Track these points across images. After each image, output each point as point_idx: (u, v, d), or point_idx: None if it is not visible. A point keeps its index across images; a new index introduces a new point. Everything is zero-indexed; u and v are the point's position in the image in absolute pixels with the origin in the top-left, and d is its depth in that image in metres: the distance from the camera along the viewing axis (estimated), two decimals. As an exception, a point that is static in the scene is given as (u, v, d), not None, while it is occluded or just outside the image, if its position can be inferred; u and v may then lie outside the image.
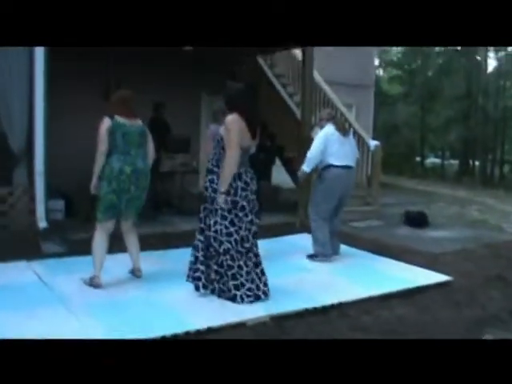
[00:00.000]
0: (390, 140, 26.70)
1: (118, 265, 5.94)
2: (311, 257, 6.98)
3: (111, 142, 5.44)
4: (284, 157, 11.11)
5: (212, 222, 5.23)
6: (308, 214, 7.21)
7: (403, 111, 31.30)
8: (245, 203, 5.22)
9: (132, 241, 5.84)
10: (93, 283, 5.51)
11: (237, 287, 5.18)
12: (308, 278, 5.68)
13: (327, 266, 6.72)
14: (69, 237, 7.53)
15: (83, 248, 6.55)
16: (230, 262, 5.18)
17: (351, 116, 11.87)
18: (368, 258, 7.25)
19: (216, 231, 5.21)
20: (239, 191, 5.19)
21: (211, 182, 5.29)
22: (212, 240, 5.24)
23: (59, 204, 8.88)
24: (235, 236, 5.19)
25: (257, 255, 5.35)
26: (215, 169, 5.29)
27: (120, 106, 5.57)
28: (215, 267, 5.26)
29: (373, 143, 10.83)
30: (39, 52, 7.36)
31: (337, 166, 6.86)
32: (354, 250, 7.39)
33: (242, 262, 5.20)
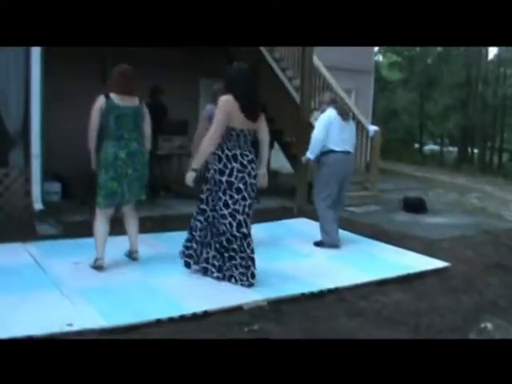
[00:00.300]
0: (388, 126, 26.64)
1: (114, 248, 5.88)
2: (318, 244, 6.90)
3: (104, 124, 5.44)
4: (282, 141, 11.04)
5: (213, 204, 5.25)
6: (313, 202, 7.16)
7: (402, 97, 31.21)
8: (241, 185, 5.17)
9: (132, 223, 5.81)
10: (96, 265, 5.51)
11: (234, 267, 5.22)
12: (305, 263, 5.65)
13: (325, 251, 6.69)
14: (64, 219, 7.51)
15: (79, 230, 6.55)
16: (225, 244, 5.20)
17: (350, 101, 11.79)
18: (366, 243, 7.21)
19: (216, 211, 5.24)
20: (235, 172, 5.15)
21: (212, 163, 5.26)
22: (215, 220, 5.27)
23: (55, 186, 8.88)
24: (229, 219, 5.17)
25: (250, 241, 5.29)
26: (215, 150, 5.24)
27: (118, 81, 5.51)
28: (217, 246, 5.28)
29: (372, 128, 10.77)
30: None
31: (336, 152, 6.80)
32: (351, 235, 7.36)
33: (235, 246, 5.18)
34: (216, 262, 5.30)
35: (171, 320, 4.31)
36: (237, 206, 5.17)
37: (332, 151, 6.80)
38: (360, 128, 10.79)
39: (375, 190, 10.77)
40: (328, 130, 6.78)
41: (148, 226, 6.96)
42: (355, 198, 9.93)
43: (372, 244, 7.16)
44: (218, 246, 5.29)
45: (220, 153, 5.19)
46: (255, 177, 5.28)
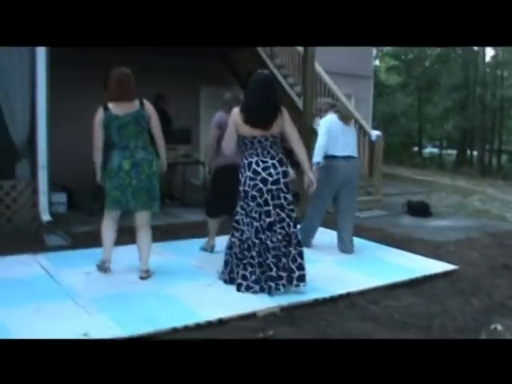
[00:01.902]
0: (388, 130, 26.67)
1: (126, 257, 5.93)
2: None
3: (108, 136, 5.40)
4: (286, 147, 11.07)
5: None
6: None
7: (401, 101, 31.27)
8: (255, 193, 5.21)
9: (143, 239, 5.64)
10: (102, 268, 5.62)
11: (244, 277, 5.24)
12: (315, 269, 5.67)
13: (333, 256, 6.73)
14: (72, 230, 7.54)
15: (87, 240, 6.59)
16: (245, 253, 5.25)
17: (351, 106, 11.84)
18: (373, 247, 7.26)
19: (241, 223, 5.33)
20: (248, 181, 5.22)
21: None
22: (239, 232, 5.34)
23: (61, 197, 8.90)
24: (247, 227, 5.25)
25: (273, 248, 5.23)
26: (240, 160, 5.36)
27: (114, 88, 5.39)
28: (239, 255, 5.34)
29: (374, 133, 10.81)
30: (40, 47, 7.33)
31: (338, 157, 6.83)
32: (358, 240, 7.37)
33: (254, 253, 5.21)
34: (248, 275, 5.27)
35: (187, 328, 4.33)
36: (253, 214, 5.22)
37: (333, 156, 6.83)
38: (362, 133, 10.85)
39: (379, 195, 10.80)
40: (329, 134, 6.81)
41: (157, 235, 6.99)
42: (359, 202, 9.94)
43: (379, 248, 7.20)
44: (239, 255, 5.31)
45: (241, 162, 5.32)
46: (276, 182, 5.22)
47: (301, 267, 5.28)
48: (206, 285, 5.41)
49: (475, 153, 31.76)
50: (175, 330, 4.28)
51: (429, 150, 38.03)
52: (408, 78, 32.81)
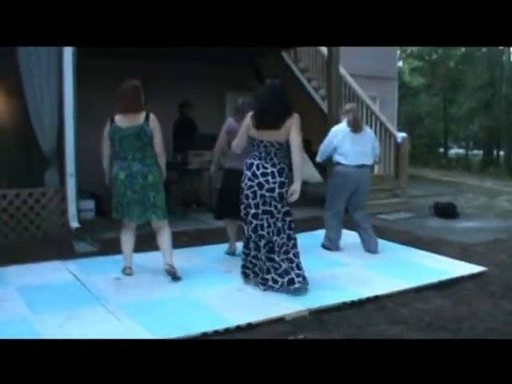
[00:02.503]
0: (413, 131, 26.51)
1: (154, 262, 5.98)
2: (323, 246, 7.24)
3: (112, 147, 5.69)
4: (311, 151, 11.07)
5: None
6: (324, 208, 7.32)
7: (426, 102, 31.07)
8: (249, 193, 5.42)
9: (161, 239, 5.80)
10: (125, 273, 5.86)
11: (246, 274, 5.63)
12: (343, 272, 5.68)
13: (361, 259, 6.73)
14: (100, 236, 7.61)
15: (115, 247, 6.62)
16: (245, 247, 5.60)
17: (376, 108, 11.80)
18: (401, 250, 7.23)
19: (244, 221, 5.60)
20: (245, 180, 5.45)
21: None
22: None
23: (89, 204, 8.98)
24: (243, 222, 5.56)
25: (258, 250, 5.49)
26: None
27: (119, 101, 5.61)
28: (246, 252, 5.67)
29: (400, 135, 10.78)
30: (67, 53, 7.41)
31: (346, 165, 6.91)
32: (386, 243, 7.36)
33: (251, 246, 5.52)
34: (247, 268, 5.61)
35: (216, 333, 4.36)
36: (248, 209, 5.47)
37: (340, 164, 6.94)
38: (388, 135, 10.83)
39: (405, 197, 10.76)
40: (334, 142, 6.94)
41: (185, 240, 7.05)
42: (386, 205, 9.96)
43: (407, 251, 7.17)
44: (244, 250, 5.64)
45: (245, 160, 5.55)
46: (271, 190, 5.34)
47: (287, 272, 5.36)
48: (234, 289, 5.44)
49: (502, 153, 31.38)
50: (205, 335, 4.30)
51: (454, 151, 37.72)
52: (432, 79, 32.55)
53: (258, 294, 5.30)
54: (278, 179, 5.35)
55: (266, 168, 5.35)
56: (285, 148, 5.41)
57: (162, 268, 5.79)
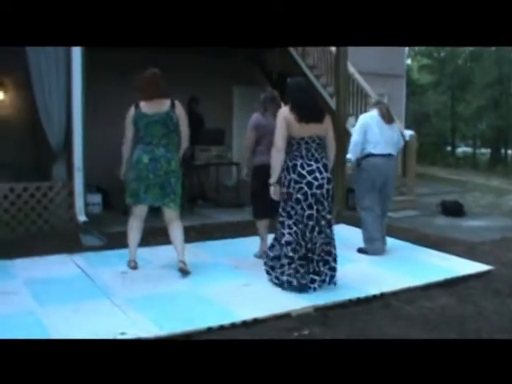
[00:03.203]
0: (421, 129, 26.43)
1: (162, 256, 6.00)
2: (361, 251, 6.89)
3: (136, 132, 5.66)
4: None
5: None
6: (351, 207, 7.11)
7: (433, 100, 30.96)
8: (299, 196, 5.21)
9: (174, 233, 5.80)
10: (130, 266, 5.83)
11: (283, 277, 5.31)
12: (349, 269, 5.68)
13: (368, 256, 6.71)
14: (107, 230, 7.64)
15: (122, 240, 6.64)
16: (290, 254, 5.25)
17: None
18: (407, 248, 7.22)
19: (280, 223, 5.37)
20: (292, 184, 5.23)
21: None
22: (278, 232, 5.41)
23: (96, 197, 9.01)
24: (294, 228, 5.25)
25: (311, 250, 5.31)
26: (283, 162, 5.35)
27: (145, 87, 5.63)
28: (282, 256, 5.36)
29: (408, 133, 10.75)
30: (76, 47, 7.43)
31: (376, 155, 6.72)
32: (393, 241, 7.34)
33: (292, 254, 5.24)
34: (286, 276, 5.31)
35: (222, 327, 4.37)
36: (296, 217, 5.24)
37: (371, 155, 6.73)
38: (395, 132, 10.79)
39: (413, 195, 10.75)
40: (366, 131, 6.72)
41: (192, 235, 7.06)
42: (393, 203, 9.90)
43: (414, 249, 7.16)
44: (280, 257, 5.37)
45: (283, 164, 5.30)
46: (320, 186, 5.24)
47: (333, 269, 5.36)
48: (241, 284, 5.45)
49: (510, 151, 31.29)
50: (210, 330, 4.33)
51: (462, 150, 37.59)
52: (441, 77, 32.45)
53: (264, 290, 5.30)
54: (325, 174, 5.28)
55: (311, 165, 5.24)
56: (323, 144, 5.39)
57: (168, 262, 5.82)
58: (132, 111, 5.64)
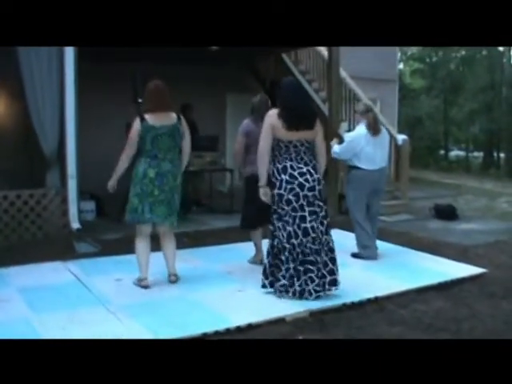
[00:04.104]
0: (413, 134, 26.51)
1: (154, 264, 5.97)
2: (355, 256, 6.89)
3: (141, 145, 5.40)
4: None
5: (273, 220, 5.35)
6: (344, 212, 7.06)
7: (426, 105, 31.09)
8: (291, 197, 5.19)
9: (167, 245, 5.69)
10: (141, 284, 5.56)
11: (276, 281, 5.28)
12: (343, 273, 5.67)
13: (362, 260, 6.72)
14: (101, 237, 7.64)
15: (115, 248, 6.67)
16: (281, 257, 5.23)
17: (376, 110, 11.80)
18: (401, 251, 7.24)
19: (274, 228, 5.31)
20: (284, 184, 5.20)
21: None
22: (272, 236, 5.34)
23: (90, 205, 9.00)
24: (282, 231, 5.22)
25: (305, 254, 5.22)
26: (272, 165, 5.32)
27: (152, 99, 5.47)
28: (270, 260, 5.34)
29: (401, 137, 10.79)
30: (69, 56, 7.46)
31: (364, 170, 6.73)
32: (386, 244, 7.36)
33: (283, 257, 5.20)
34: (281, 278, 5.24)
35: (217, 333, 4.37)
36: (287, 218, 5.20)
37: (359, 168, 6.75)
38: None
39: (406, 199, 10.78)
40: (356, 149, 6.69)
41: (186, 242, 7.06)
42: (386, 207, 9.93)
43: (407, 252, 7.18)
44: (272, 260, 5.34)
45: (273, 166, 5.28)
46: (311, 189, 5.23)
47: (332, 272, 5.30)
48: (235, 290, 5.45)
49: (502, 155, 31.41)
50: (205, 335, 4.32)
51: (455, 153, 37.72)
52: (433, 81, 32.60)
53: (258, 295, 5.30)
54: (315, 176, 5.27)
55: (301, 168, 5.22)
56: (312, 147, 5.36)
57: (161, 269, 5.77)
58: (138, 124, 5.36)
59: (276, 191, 5.24)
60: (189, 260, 6.44)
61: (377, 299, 5.30)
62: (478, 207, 11.82)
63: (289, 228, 5.20)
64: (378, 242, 7.10)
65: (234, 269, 6.17)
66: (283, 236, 5.21)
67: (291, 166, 5.21)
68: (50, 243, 7.22)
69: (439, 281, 5.87)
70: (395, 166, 10.83)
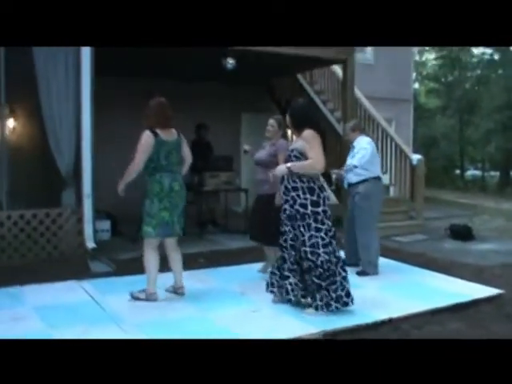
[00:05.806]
0: (429, 154, 26.44)
1: (167, 284, 5.99)
2: (361, 273, 6.91)
3: (155, 159, 5.50)
4: (326, 173, 11.10)
5: (307, 237, 5.27)
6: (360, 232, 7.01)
7: (441, 124, 31.00)
8: (329, 213, 5.35)
9: (176, 258, 5.82)
10: (150, 298, 5.63)
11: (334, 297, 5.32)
12: (357, 294, 5.66)
13: (376, 281, 6.69)
14: (116, 257, 7.67)
15: (130, 267, 6.67)
16: (327, 273, 5.26)
17: (391, 130, 11.81)
18: (416, 272, 7.20)
19: (312, 245, 5.26)
20: (326, 201, 5.36)
21: (297, 197, 5.32)
22: (309, 254, 5.27)
23: (105, 224, 9.02)
24: (329, 248, 5.29)
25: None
26: (298, 184, 5.31)
27: (159, 115, 5.58)
28: (314, 279, 5.29)
29: (416, 157, 10.78)
30: (86, 75, 7.53)
31: (379, 178, 6.96)
32: (401, 265, 7.34)
33: (336, 272, 5.32)
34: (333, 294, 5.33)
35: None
36: (331, 233, 5.35)
37: (377, 178, 6.90)
38: (403, 157, 10.83)
39: (421, 219, 10.74)
40: (372, 157, 6.89)
41: (202, 263, 7.06)
42: (401, 227, 9.95)
43: (422, 273, 7.13)
44: (315, 279, 5.31)
45: (312, 184, 5.32)
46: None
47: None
48: (249, 311, 5.44)
49: (519, 174, 31.23)
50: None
51: (471, 173, 37.52)
52: (448, 101, 32.52)
53: (272, 316, 5.29)
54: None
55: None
56: None
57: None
58: (151, 138, 5.45)
59: (320, 208, 5.29)
60: (204, 280, 6.45)
61: (391, 320, 5.26)
62: (494, 227, 11.74)
63: (334, 243, 5.36)
64: (393, 262, 7.07)
65: (249, 289, 6.14)
66: (332, 252, 5.31)
67: (319, 187, 5.37)
68: (65, 262, 7.26)
69: (455, 302, 5.81)
70: (410, 186, 10.81)
